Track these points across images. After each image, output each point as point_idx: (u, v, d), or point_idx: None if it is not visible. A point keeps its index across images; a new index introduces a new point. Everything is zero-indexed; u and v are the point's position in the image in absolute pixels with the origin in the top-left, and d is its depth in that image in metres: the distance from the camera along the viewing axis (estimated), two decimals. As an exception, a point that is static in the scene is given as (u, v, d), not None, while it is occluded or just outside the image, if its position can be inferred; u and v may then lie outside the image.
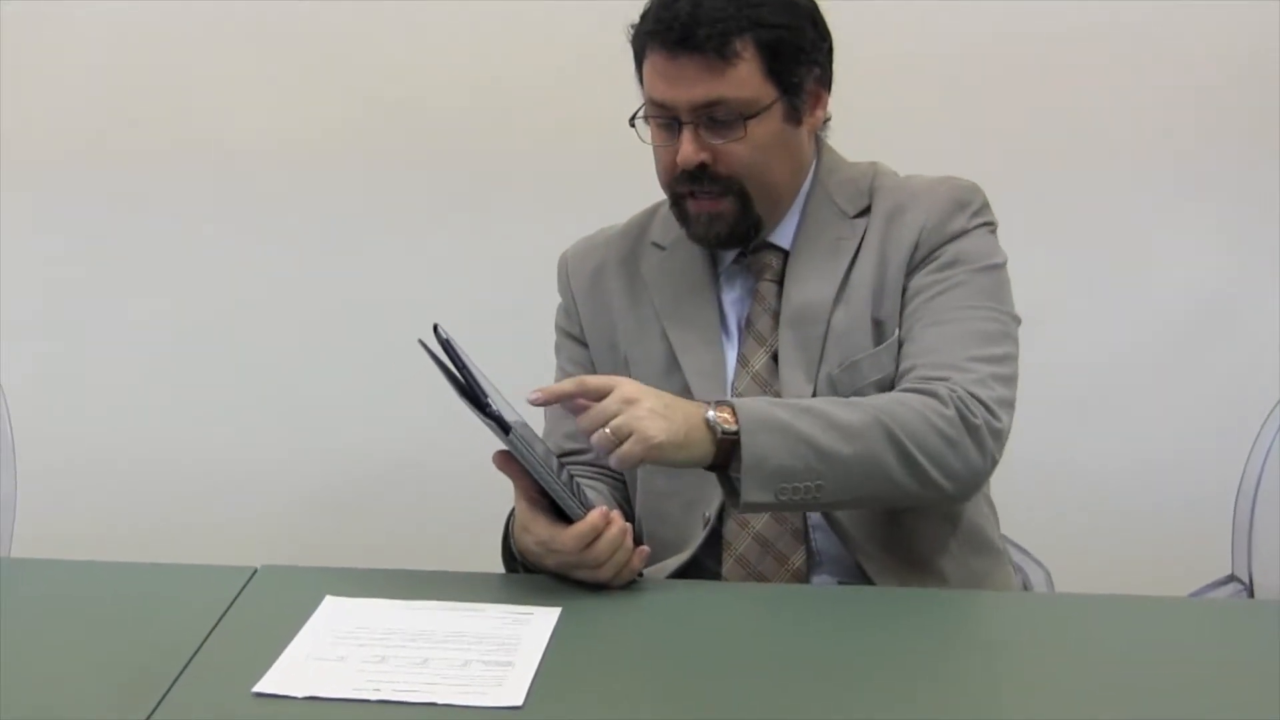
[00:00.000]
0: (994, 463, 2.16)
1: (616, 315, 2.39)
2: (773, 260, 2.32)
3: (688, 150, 2.21)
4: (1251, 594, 2.56)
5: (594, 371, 2.37)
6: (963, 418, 2.11)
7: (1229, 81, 3.37)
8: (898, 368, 2.24)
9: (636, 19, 2.26)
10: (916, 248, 2.27)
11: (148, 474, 3.60)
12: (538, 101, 3.43)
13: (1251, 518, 2.61)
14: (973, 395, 2.14)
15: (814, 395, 2.23)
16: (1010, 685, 1.78)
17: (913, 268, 2.27)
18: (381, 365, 3.55)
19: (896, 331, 2.25)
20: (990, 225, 2.32)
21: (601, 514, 1.99)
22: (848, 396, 2.18)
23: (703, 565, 2.27)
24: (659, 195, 2.36)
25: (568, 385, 2.04)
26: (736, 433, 2.02)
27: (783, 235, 2.32)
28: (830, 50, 2.29)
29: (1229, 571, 2.62)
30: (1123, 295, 3.39)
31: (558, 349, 2.48)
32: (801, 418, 2.06)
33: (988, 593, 2.05)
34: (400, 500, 3.57)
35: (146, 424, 3.60)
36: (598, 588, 2.01)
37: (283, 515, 3.56)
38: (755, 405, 2.07)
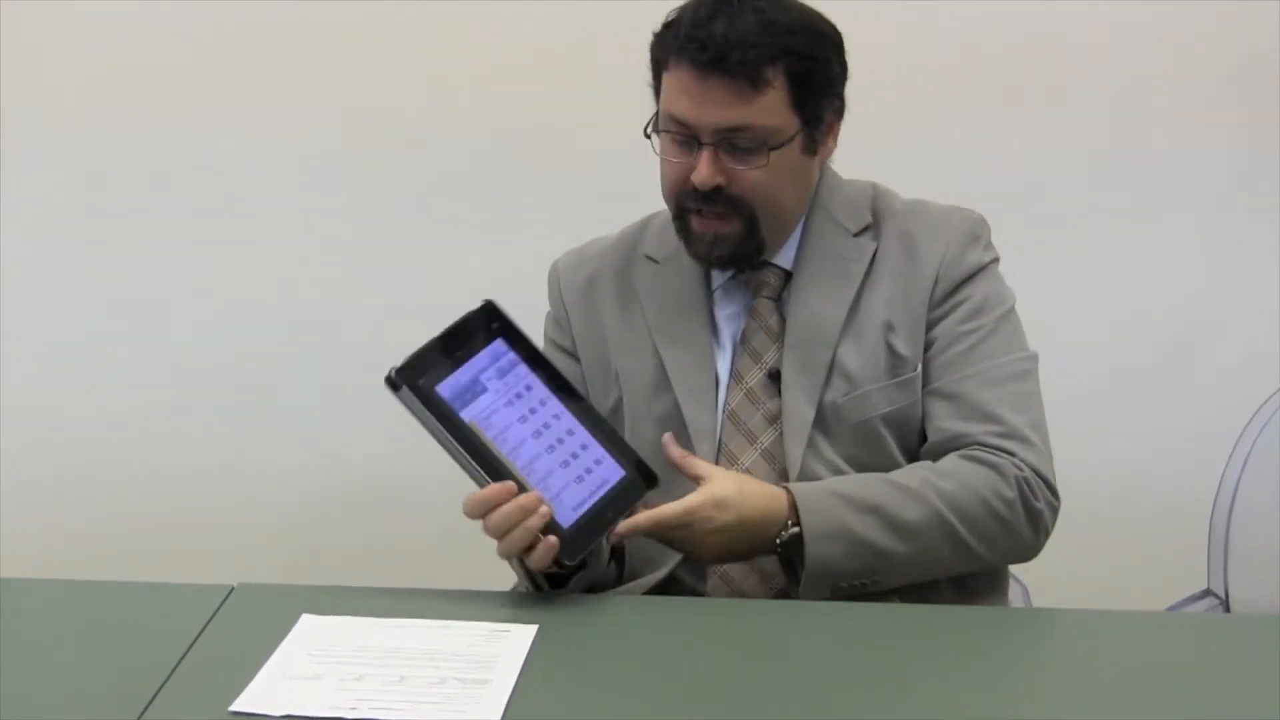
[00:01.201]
0: (1046, 539, 2.21)
1: (609, 328, 2.38)
2: (772, 278, 2.31)
3: (706, 172, 2.18)
4: (1228, 608, 2.57)
5: (584, 385, 2.36)
6: (1024, 500, 2.16)
7: (1214, 88, 3.38)
8: (926, 410, 2.25)
9: (661, 23, 2.23)
10: (937, 282, 2.27)
11: (122, 493, 3.58)
12: (527, 108, 3.42)
13: (1227, 532, 2.62)
14: (1039, 475, 2.19)
15: (815, 417, 2.23)
16: (987, 700, 1.77)
17: (935, 303, 2.27)
18: (358, 381, 3.52)
19: (918, 368, 2.25)
20: (998, 259, 2.34)
21: (501, 488, 1.99)
22: (854, 424, 2.23)
23: (682, 583, 2.27)
24: (650, 203, 2.36)
25: (674, 452, 2.11)
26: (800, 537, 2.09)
27: (784, 256, 2.31)
28: (846, 81, 2.28)
29: (1205, 586, 2.63)
30: (1097, 310, 3.40)
31: (548, 356, 2.45)
32: (865, 519, 2.10)
33: (965, 607, 2.05)
34: (376, 518, 3.56)
35: (121, 443, 3.58)
36: (574, 604, 2.01)
37: (259, 534, 3.55)
38: (821, 508, 2.10)
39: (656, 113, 2.25)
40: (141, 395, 3.58)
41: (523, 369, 2.08)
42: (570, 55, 3.39)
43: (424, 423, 2.01)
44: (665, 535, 2.09)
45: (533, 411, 2.05)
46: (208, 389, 3.57)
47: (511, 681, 1.78)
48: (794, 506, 2.10)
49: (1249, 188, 3.41)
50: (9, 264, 3.52)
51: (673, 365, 2.31)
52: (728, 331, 2.31)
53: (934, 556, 2.13)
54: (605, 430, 2.10)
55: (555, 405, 2.07)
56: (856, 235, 2.30)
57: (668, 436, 2.13)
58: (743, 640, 1.93)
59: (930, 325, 2.27)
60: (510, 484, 2.00)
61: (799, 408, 2.24)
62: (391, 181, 3.49)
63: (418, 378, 2.00)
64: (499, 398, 2.04)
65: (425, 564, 3.23)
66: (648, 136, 2.24)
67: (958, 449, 2.21)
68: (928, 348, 2.27)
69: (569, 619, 1.99)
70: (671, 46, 2.18)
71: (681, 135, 2.20)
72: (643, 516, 2.04)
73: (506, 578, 2.57)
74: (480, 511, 2.01)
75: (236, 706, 1.72)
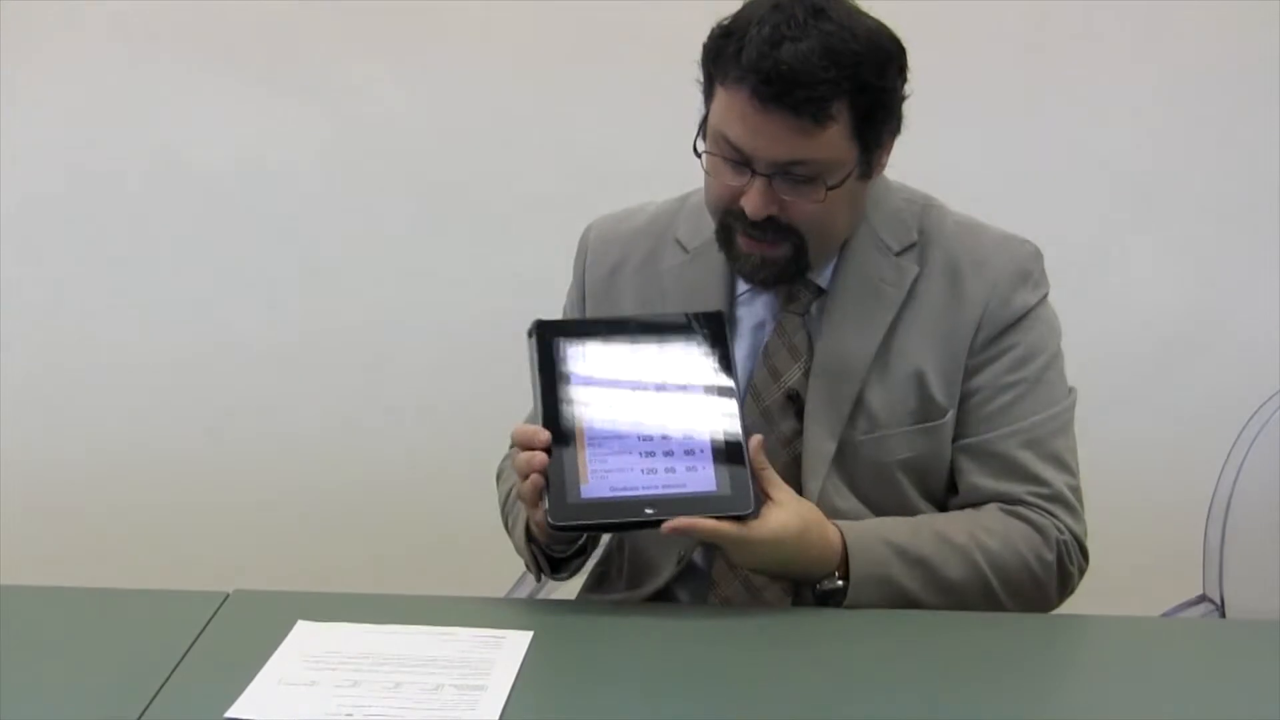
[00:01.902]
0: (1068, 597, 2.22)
1: None
2: (803, 293, 2.22)
3: (758, 202, 2.08)
4: (1223, 614, 2.57)
5: None
6: (1060, 564, 2.17)
7: (1214, 88, 3.38)
8: (961, 463, 2.22)
9: (717, 28, 2.11)
10: (980, 327, 2.20)
11: (115, 499, 3.58)
12: (526, 112, 3.43)
13: (1223, 537, 2.61)
14: (1079, 543, 2.20)
15: (836, 451, 2.19)
16: (982, 705, 1.78)
17: (976, 349, 2.20)
18: (356, 387, 3.55)
19: (948, 415, 2.21)
20: (1047, 293, 2.27)
21: (535, 431, 2.00)
22: (871, 464, 2.19)
23: (677, 599, 2.26)
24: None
25: (756, 459, 2.03)
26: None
27: (819, 272, 2.22)
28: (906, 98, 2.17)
29: (1200, 591, 2.63)
30: (1089, 314, 3.40)
31: None
32: (911, 572, 2.09)
33: (960, 614, 2.06)
34: (372, 524, 3.56)
35: (114, 448, 3.59)
36: (570, 609, 2.02)
37: (255, 540, 3.55)
38: (871, 557, 2.08)
39: (704, 120, 2.14)
40: (135, 400, 3.58)
41: (693, 373, 2.06)
42: (574, 59, 3.39)
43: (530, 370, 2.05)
44: (716, 544, 2.05)
45: (662, 406, 2.04)
46: (202, 393, 3.58)
47: (507, 687, 1.78)
48: (845, 549, 2.08)
49: (1246, 190, 3.41)
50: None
51: None
52: (748, 339, 2.26)
53: (962, 606, 2.11)
54: (733, 452, 2.02)
55: (691, 411, 2.04)
56: (899, 254, 2.22)
57: (756, 439, 2.04)
58: (742, 647, 1.93)
59: (970, 373, 2.21)
60: (544, 433, 1.99)
61: (820, 442, 2.19)
62: (390, 186, 3.49)
63: (556, 332, 2.07)
64: (635, 384, 2.05)
65: (421, 570, 3.25)
66: (697, 155, 2.14)
67: (997, 504, 2.20)
68: (965, 397, 2.21)
69: (565, 624, 1.99)
70: (729, 66, 2.06)
71: (734, 158, 2.10)
72: (704, 523, 1.97)
73: (502, 584, 2.58)
74: (517, 442, 2.02)
75: (232, 713, 1.72)
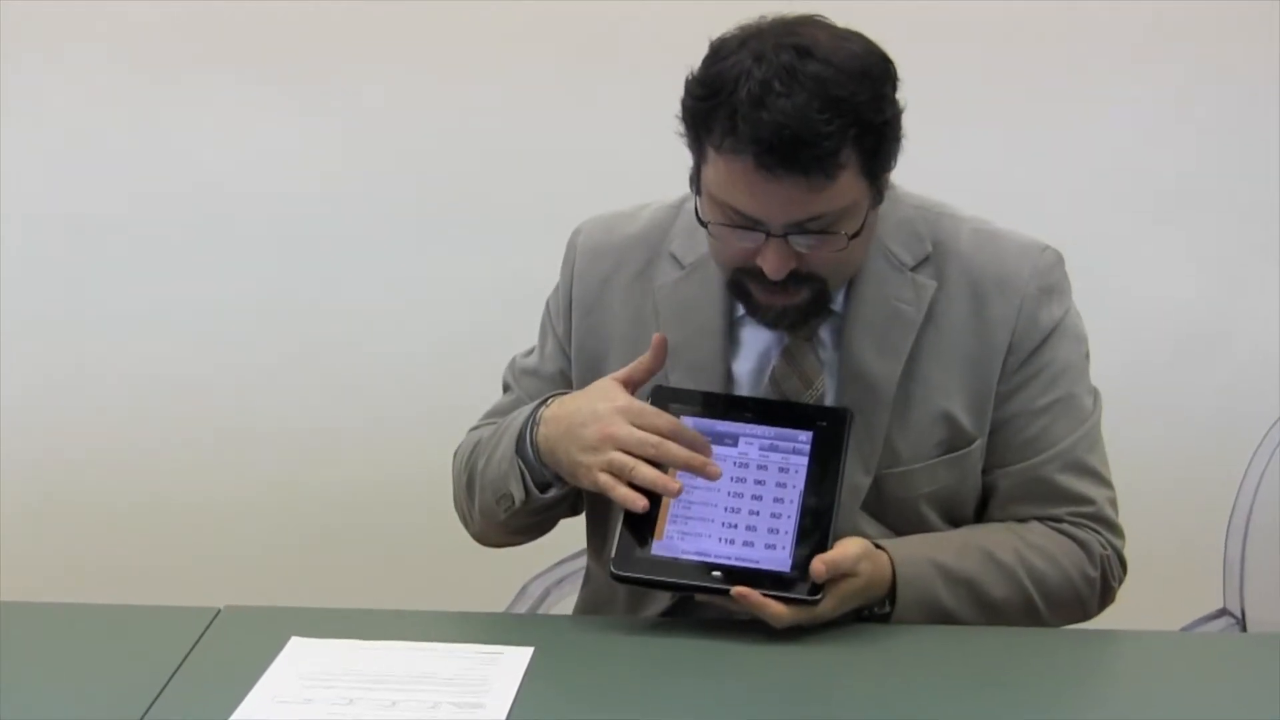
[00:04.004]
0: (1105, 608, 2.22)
1: (613, 344, 2.26)
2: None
3: (777, 264, 2.01)
4: (1244, 628, 2.57)
5: (567, 381, 2.29)
6: (1104, 581, 2.18)
7: (1220, 89, 3.39)
8: (997, 487, 2.20)
9: (696, 84, 2.01)
10: (1010, 351, 2.16)
11: (103, 513, 3.57)
12: (520, 115, 3.43)
13: (1244, 549, 2.61)
14: (1120, 559, 2.20)
15: (872, 485, 2.15)
16: (1009, 717, 1.78)
17: (1007, 374, 2.16)
18: (349, 400, 3.55)
19: (975, 443, 2.18)
20: (1071, 299, 2.23)
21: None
22: (894, 499, 2.17)
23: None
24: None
25: (845, 558, 1.99)
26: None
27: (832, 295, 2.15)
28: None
29: (1221, 605, 2.63)
30: (1104, 319, 3.38)
31: (544, 331, 2.35)
32: (955, 591, 2.08)
33: (973, 628, 2.05)
34: (367, 538, 3.56)
35: (103, 461, 3.58)
36: (572, 625, 2.01)
37: (246, 554, 3.55)
38: (917, 579, 2.07)
39: (695, 175, 2.08)
40: (124, 413, 3.57)
41: (798, 460, 2.05)
42: (568, 61, 3.39)
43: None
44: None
45: (759, 482, 2.04)
46: (192, 405, 3.57)
47: (506, 706, 1.77)
48: (893, 573, 2.06)
49: (1265, 190, 3.41)
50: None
51: None
52: (752, 363, 2.20)
53: (1003, 622, 2.11)
54: (816, 541, 2.00)
55: (787, 495, 2.03)
56: (914, 269, 2.17)
57: (850, 550, 2.00)
58: (746, 664, 1.92)
59: (1002, 400, 2.17)
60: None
61: (853, 477, 2.13)
62: (383, 193, 3.49)
63: (674, 400, 2.09)
64: (737, 457, 2.05)
65: (417, 585, 3.24)
66: (703, 224, 2.07)
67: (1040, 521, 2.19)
68: (998, 425, 2.18)
69: (566, 641, 1.98)
70: (723, 134, 1.98)
71: (744, 224, 2.02)
72: (773, 606, 1.94)
73: (500, 599, 2.57)
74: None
75: (223, 733, 1.72)
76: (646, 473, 1.98)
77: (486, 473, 2.19)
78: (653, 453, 1.98)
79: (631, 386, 2.07)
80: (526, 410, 2.16)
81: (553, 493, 2.14)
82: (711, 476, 1.99)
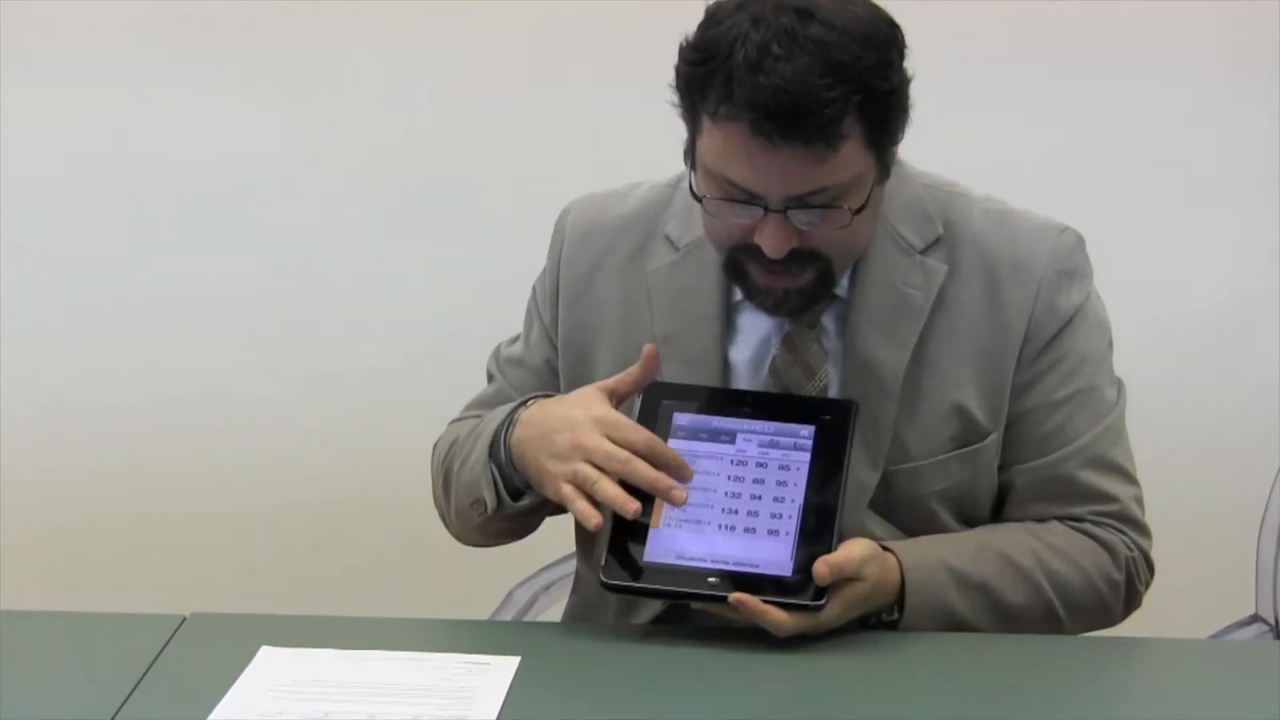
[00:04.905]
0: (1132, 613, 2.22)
1: (603, 332, 2.25)
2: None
3: (777, 241, 2.00)
4: (1278, 635, 2.57)
5: (554, 371, 2.28)
6: (1129, 583, 2.17)
7: (1255, 73, 3.39)
8: (1015, 485, 2.19)
9: (690, 49, 2.00)
10: (1027, 340, 2.15)
11: (63, 516, 3.58)
12: (503, 96, 3.44)
13: (1277, 552, 2.62)
14: (1147, 560, 2.20)
15: (880, 481, 2.15)
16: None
17: (1024, 364, 2.15)
18: (324, 397, 3.55)
19: (990, 438, 2.17)
20: (1092, 283, 2.22)
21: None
22: (903, 497, 2.16)
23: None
24: None
25: (850, 561, 1.99)
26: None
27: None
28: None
29: (1253, 611, 2.63)
30: (1131, 313, 3.39)
31: (529, 318, 2.35)
32: (970, 597, 2.07)
33: (989, 636, 2.05)
34: (342, 541, 3.56)
35: (63, 465, 3.58)
36: (560, 634, 2.01)
37: (213, 558, 3.55)
38: (928, 585, 2.06)
39: (690, 149, 2.07)
40: (86, 415, 3.57)
41: (799, 456, 2.05)
42: (556, 50, 3.39)
43: None
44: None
45: (758, 481, 2.04)
46: (156, 405, 3.57)
47: (492, 718, 1.77)
48: (902, 577, 2.06)
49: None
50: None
51: None
52: (751, 352, 2.19)
53: (1021, 630, 2.10)
54: (819, 542, 2.00)
55: (788, 493, 2.03)
56: (923, 252, 2.15)
57: (856, 552, 1.99)
58: (745, 674, 1.92)
59: (1019, 392, 2.17)
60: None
61: (860, 472, 2.13)
62: (359, 175, 3.49)
63: (668, 395, 2.08)
64: (735, 455, 2.05)
65: (396, 591, 3.24)
66: (697, 199, 2.06)
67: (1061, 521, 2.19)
68: (1015, 419, 2.17)
69: (554, 649, 1.99)
70: (719, 100, 1.97)
71: (741, 198, 2.01)
72: (775, 614, 1.93)
73: (485, 606, 2.57)
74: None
75: (189, 748, 1.72)
76: (607, 489, 1.96)
77: (461, 474, 2.19)
78: (619, 469, 1.97)
79: (616, 398, 2.06)
80: (504, 411, 2.16)
81: (525, 501, 2.14)
82: (675, 501, 1.97)
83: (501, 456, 2.12)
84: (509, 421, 2.12)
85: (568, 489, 1.99)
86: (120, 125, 3.48)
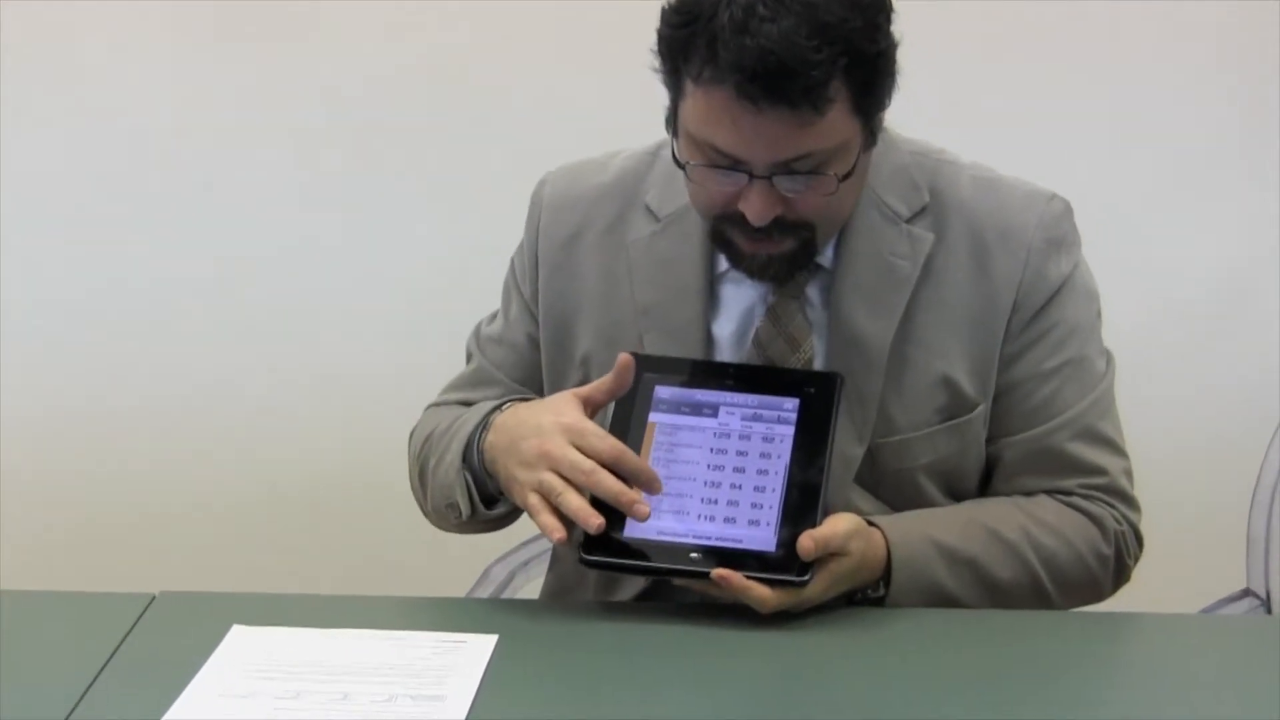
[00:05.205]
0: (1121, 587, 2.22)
1: (584, 303, 2.25)
2: (799, 272, 2.15)
3: (762, 209, 2.00)
4: (1270, 609, 2.58)
5: (536, 346, 2.29)
6: (1119, 558, 2.18)
7: (1256, 52, 3.39)
8: (1002, 458, 2.20)
9: (671, 9, 2.00)
10: (1015, 309, 2.15)
11: (28, 492, 3.57)
12: (478, 59, 3.43)
13: (1269, 526, 2.63)
14: (1136, 534, 2.20)
15: (865, 455, 2.15)
16: (1017, 706, 1.78)
17: (1012, 335, 2.16)
18: (294, 371, 3.54)
19: (978, 409, 2.17)
20: (1080, 251, 2.22)
21: (621, 450, 1.98)
22: (889, 471, 2.16)
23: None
24: None
25: (835, 535, 1.98)
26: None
27: (820, 249, 2.14)
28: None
29: (1244, 585, 2.64)
30: (1120, 290, 3.40)
31: (508, 293, 2.35)
32: (957, 572, 2.08)
33: (976, 612, 2.06)
34: (315, 518, 3.56)
35: (27, 437, 3.58)
36: (538, 611, 2.01)
37: (183, 536, 3.55)
38: (915, 560, 2.06)
39: (672, 115, 2.07)
40: (49, 387, 3.56)
41: (783, 430, 2.05)
42: (535, 24, 3.39)
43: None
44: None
45: (740, 455, 2.04)
46: (121, 379, 3.57)
47: (469, 698, 1.78)
48: (888, 553, 2.06)
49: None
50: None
51: None
52: (735, 324, 2.20)
53: (1009, 605, 2.11)
54: (804, 518, 2.00)
55: (772, 467, 2.03)
56: (909, 221, 2.16)
57: (841, 526, 1.99)
58: (728, 652, 1.92)
59: (1007, 363, 2.17)
60: (631, 458, 1.98)
61: (845, 446, 2.14)
62: (322, 142, 3.48)
63: (649, 368, 2.08)
64: (718, 428, 2.05)
65: (370, 569, 3.24)
66: (680, 166, 2.06)
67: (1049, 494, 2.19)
68: (1003, 391, 2.18)
69: (532, 627, 1.98)
70: (702, 63, 1.96)
71: (725, 164, 2.01)
72: (758, 590, 1.93)
73: (462, 583, 2.57)
74: (579, 439, 1.98)
75: (159, 729, 1.72)
76: (570, 501, 1.96)
77: (436, 474, 2.19)
78: (583, 480, 1.96)
79: (590, 407, 2.05)
80: (479, 413, 2.16)
81: (499, 509, 2.15)
82: (638, 516, 1.96)
83: (475, 462, 2.12)
84: (483, 425, 2.12)
85: (534, 499, 1.99)
86: (120, 122, 3.48)
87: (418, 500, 2.29)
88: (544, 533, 1.99)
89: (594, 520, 1.94)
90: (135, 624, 1.98)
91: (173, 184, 3.49)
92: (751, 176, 2.00)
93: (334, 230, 3.51)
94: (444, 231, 3.46)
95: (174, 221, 3.51)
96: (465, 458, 2.13)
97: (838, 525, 1.98)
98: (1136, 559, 2.21)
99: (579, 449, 1.98)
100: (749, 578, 1.93)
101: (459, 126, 3.43)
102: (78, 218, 3.50)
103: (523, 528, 2.33)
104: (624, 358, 2.05)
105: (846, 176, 2.02)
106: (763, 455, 2.03)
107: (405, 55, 3.42)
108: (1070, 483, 2.18)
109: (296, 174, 3.50)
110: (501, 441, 2.07)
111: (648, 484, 1.98)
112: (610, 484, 1.95)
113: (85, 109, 3.47)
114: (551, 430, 2.00)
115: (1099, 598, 2.19)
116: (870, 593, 2.06)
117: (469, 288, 2.57)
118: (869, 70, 1.98)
